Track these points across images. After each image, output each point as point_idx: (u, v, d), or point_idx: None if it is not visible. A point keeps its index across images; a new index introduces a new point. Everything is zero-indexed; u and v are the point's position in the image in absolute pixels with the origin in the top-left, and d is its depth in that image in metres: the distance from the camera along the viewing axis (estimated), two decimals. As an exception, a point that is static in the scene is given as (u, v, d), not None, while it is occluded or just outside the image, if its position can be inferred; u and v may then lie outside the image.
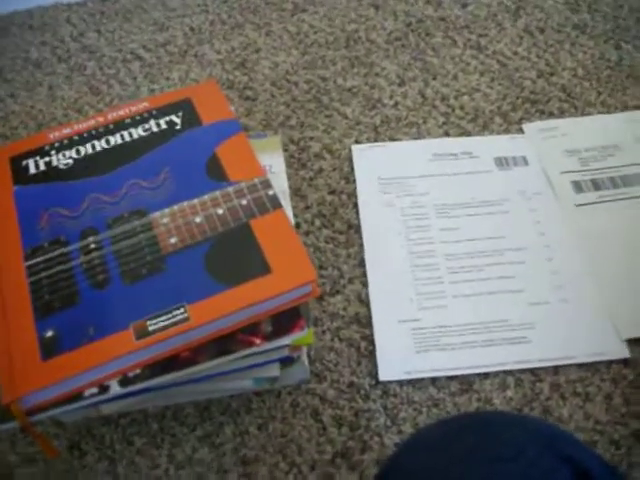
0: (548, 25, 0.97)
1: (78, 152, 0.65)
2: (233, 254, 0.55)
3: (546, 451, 0.36)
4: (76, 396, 0.52)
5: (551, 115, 0.85)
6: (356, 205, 0.76)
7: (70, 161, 0.64)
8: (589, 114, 0.85)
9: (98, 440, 0.61)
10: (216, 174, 0.61)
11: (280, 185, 0.73)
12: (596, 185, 0.77)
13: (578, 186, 0.77)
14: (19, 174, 0.64)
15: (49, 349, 0.51)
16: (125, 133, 0.66)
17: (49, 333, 0.52)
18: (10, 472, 0.60)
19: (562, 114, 0.85)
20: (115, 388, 0.52)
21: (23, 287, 0.55)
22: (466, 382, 0.63)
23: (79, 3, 1.06)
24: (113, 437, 0.62)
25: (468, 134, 0.83)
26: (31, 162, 0.65)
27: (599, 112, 0.85)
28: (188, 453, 0.60)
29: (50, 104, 0.91)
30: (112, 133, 0.66)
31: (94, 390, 0.52)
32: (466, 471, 0.36)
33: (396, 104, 0.87)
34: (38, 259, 0.57)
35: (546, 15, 0.98)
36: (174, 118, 0.67)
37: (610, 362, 0.64)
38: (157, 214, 0.58)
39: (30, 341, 0.52)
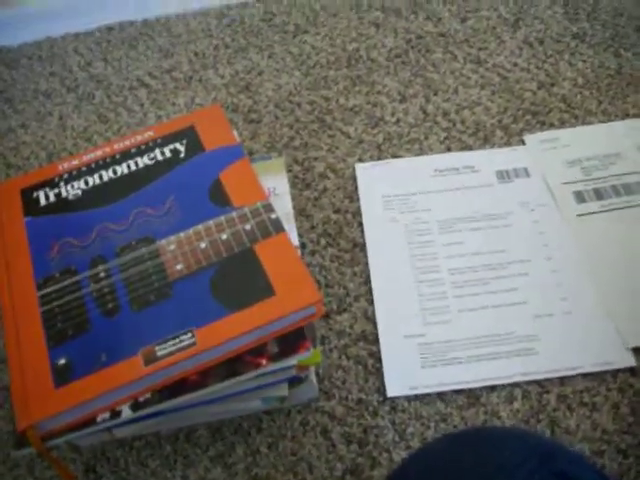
0: (547, 35, 0.98)
1: (86, 183, 0.67)
2: (238, 278, 0.57)
3: (541, 467, 0.37)
4: (89, 421, 0.53)
5: (552, 126, 0.86)
6: (361, 223, 0.78)
7: (79, 192, 0.66)
8: (590, 123, 0.86)
9: (113, 463, 0.63)
10: (220, 199, 0.62)
11: (284, 206, 0.74)
12: (598, 194, 0.78)
13: (580, 196, 0.78)
14: (30, 205, 0.66)
15: (62, 376, 0.53)
16: (131, 162, 0.68)
17: (62, 361, 0.54)
18: (29, 497, 0.62)
19: (563, 124, 0.86)
20: (126, 412, 0.53)
21: (36, 316, 0.57)
22: (473, 396, 0.64)
23: (86, 33, 1.09)
24: (128, 460, 0.63)
25: (469, 148, 0.84)
26: (41, 193, 0.67)
27: (600, 121, 0.86)
28: (201, 474, 0.61)
29: (60, 134, 0.93)
30: (119, 163, 0.68)
31: (106, 415, 0.53)
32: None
33: (398, 121, 0.88)
34: (50, 289, 0.59)
35: (545, 26, 0.99)
36: (178, 146, 0.68)
37: (616, 371, 0.65)
38: (164, 241, 0.60)
39: (44, 369, 0.54)
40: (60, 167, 0.69)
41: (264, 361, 0.55)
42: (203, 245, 0.59)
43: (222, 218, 0.61)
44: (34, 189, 0.68)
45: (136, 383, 0.53)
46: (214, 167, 0.65)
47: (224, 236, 0.59)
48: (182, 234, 0.60)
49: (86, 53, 1.05)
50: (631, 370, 0.64)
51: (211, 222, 0.61)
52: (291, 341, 0.56)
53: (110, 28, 1.09)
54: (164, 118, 0.93)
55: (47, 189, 0.67)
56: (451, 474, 0.38)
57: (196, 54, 1.02)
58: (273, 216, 0.60)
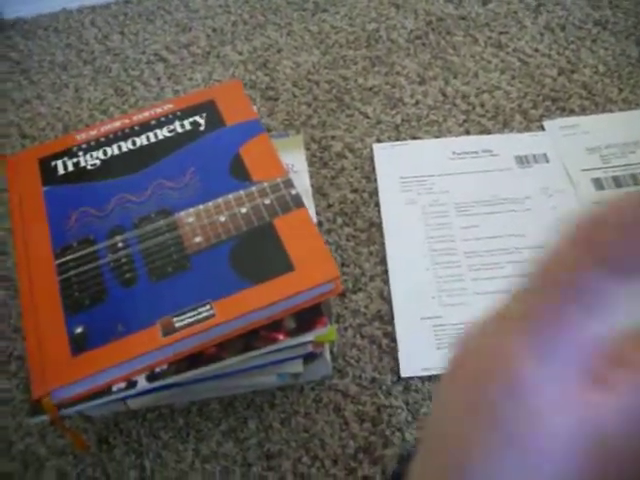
0: (569, 22, 0.97)
1: (105, 153, 0.66)
2: (257, 252, 0.56)
3: None
4: (104, 391, 0.53)
5: (572, 112, 0.85)
6: (377, 203, 0.77)
7: (97, 162, 0.66)
8: (610, 111, 0.85)
9: (126, 434, 0.63)
10: (240, 174, 0.62)
11: (302, 184, 0.74)
12: (617, 182, 0.77)
13: (599, 183, 0.77)
14: (48, 175, 0.66)
15: (79, 345, 0.53)
16: (150, 134, 0.67)
17: (79, 329, 0.54)
18: (41, 464, 0.62)
19: (583, 111, 0.85)
20: (142, 383, 0.53)
21: (53, 285, 0.57)
22: (487, 378, 0.64)
23: (103, 5, 1.08)
24: (140, 431, 0.63)
25: (488, 132, 0.83)
26: (60, 163, 0.66)
27: (620, 109, 0.85)
28: (213, 447, 0.61)
29: (76, 106, 0.93)
30: (138, 134, 0.68)
31: (122, 385, 0.53)
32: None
33: (417, 103, 0.87)
34: (67, 257, 0.58)
35: (567, 12, 0.98)
36: (198, 119, 0.68)
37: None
38: (182, 214, 0.60)
39: (61, 337, 0.54)
40: (78, 137, 0.69)
41: (281, 336, 0.55)
42: (222, 218, 0.59)
43: (241, 192, 0.61)
44: (52, 159, 0.67)
45: (153, 354, 0.53)
46: (234, 141, 0.65)
47: (244, 210, 0.59)
48: (201, 207, 0.60)
49: (103, 26, 1.05)
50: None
51: (230, 196, 0.60)
52: (308, 317, 0.55)
53: (127, 1, 1.08)
54: (181, 93, 0.92)
55: (65, 159, 0.67)
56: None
57: (214, 30, 1.01)
58: (293, 192, 0.60)
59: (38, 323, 0.55)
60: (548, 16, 0.98)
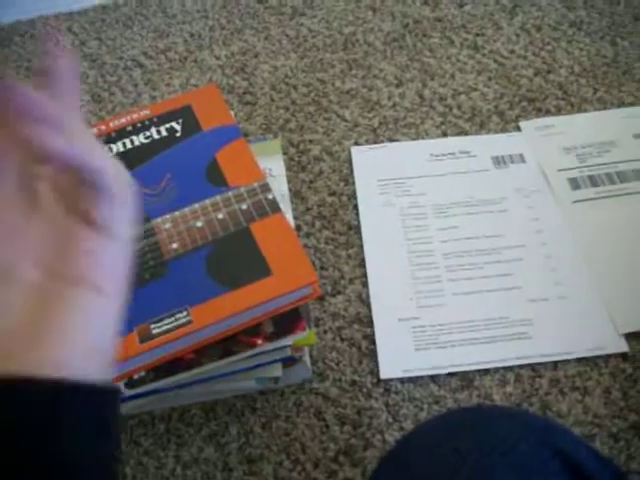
0: (544, 23, 0.98)
1: (81, 160, 0.66)
2: (234, 257, 0.56)
3: (539, 444, 0.37)
4: (83, 399, 0.53)
5: (548, 113, 0.86)
6: (356, 206, 0.77)
7: (73, 169, 0.65)
8: (585, 111, 0.86)
9: (106, 442, 0.63)
10: (216, 179, 0.62)
11: (280, 188, 0.74)
12: (593, 181, 0.78)
13: (575, 183, 0.78)
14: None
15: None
16: (127, 141, 0.67)
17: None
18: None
19: (559, 111, 0.86)
20: (121, 390, 0.53)
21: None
22: (466, 379, 0.64)
23: (80, 12, 1.08)
24: (120, 438, 0.63)
25: (465, 133, 0.84)
26: (35, 171, 0.66)
27: (595, 109, 0.86)
28: (194, 453, 0.61)
29: (53, 112, 0.92)
30: (114, 141, 0.67)
31: (101, 393, 0.53)
32: (462, 462, 0.37)
33: (394, 105, 0.88)
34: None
35: (542, 13, 0.99)
36: (174, 125, 0.68)
37: (609, 356, 0.65)
38: (159, 220, 0.60)
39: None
40: (54, 145, 0.68)
41: (259, 341, 0.55)
42: (199, 224, 0.59)
43: (218, 197, 0.61)
44: (28, 166, 0.67)
45: (131, 361, 0.52)
46: (211, 147, 0.65)
47: (220, 215, 0.59)
48: (177, 213, 0.60)
49: (80, 32, 1.04)
50: (623, 355, 0.65)
51: (207, 201, 0.60)
52: (287, 321, 0.56)
53: (105, 7, 1.08)
54: (159, 98, 0.92)
55: (41, 166, 0.66)
56: (449, 451, 0.38)
57: (192, 35, 1.01)
58: (270, 196, 0.60)
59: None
60: (524, 17, 0.99)
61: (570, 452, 0.37)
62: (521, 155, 0.81)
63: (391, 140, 0.84)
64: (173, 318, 0.53)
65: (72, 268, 0.29)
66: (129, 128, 0.68)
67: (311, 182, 0.80)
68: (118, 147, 0.67)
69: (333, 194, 0.79)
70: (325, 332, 0.68)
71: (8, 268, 0.28)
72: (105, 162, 0.31)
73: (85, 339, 0.28)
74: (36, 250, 0.29)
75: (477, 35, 0.97)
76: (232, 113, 0.71)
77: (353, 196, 0.79)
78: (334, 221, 0.76)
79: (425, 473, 0.39)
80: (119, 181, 0.32)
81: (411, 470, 0.40)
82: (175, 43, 1.00)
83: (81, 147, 0.29)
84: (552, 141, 0.82)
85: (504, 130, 0.84)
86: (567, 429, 0.44)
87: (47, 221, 0.30)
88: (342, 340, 0.67)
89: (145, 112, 0.70)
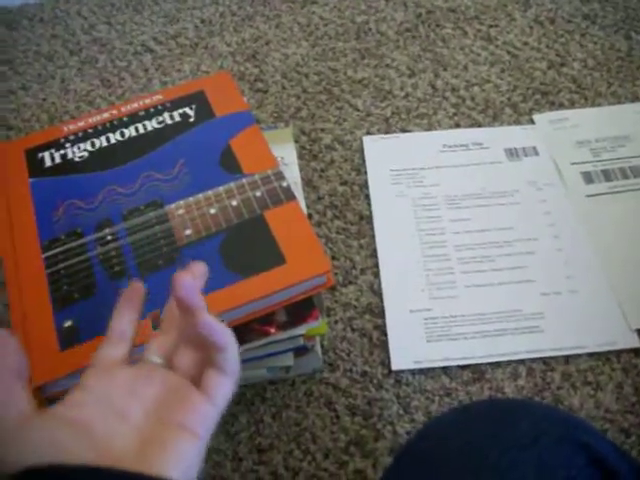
0: (558, 15, 0.97)
1: (93, 145, 0.66)
2: (248, 245, 0.56)
3: (563, 438, 0.37)
4: (94, 385, 0.52)
5: (561, 106, 0.85)
6: (368, 196, 0.77)
7: (85, 154, 0.65)
8: (599, 105, 0.85)
9: (115, 428, 0.62)
10: (230, 166, 0.61)
11: (292, 176, 0.73)
12: (606, 176, 0.77)
13: (588, 177, 0.77)
14: (35, 167, 0.65)
15: (68, 339, 0.52)
16: (139, 125, 0.66)
17: (67, 323, 0.53)
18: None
19: (572, 105, 0.85)
20: None
21: (41, 278, 0.56)
22: (478, 371, 0.64)
23: (90, -5, 1.07)
24: None
25: (478, 125, 0.83)
26: (47, 155, 0.65)
27: (609, 103, 0.85)
28: (204, 441, 0.61)
29: (62, 97, 0.92)
30: (126, 126, 0.67)
31: (112, 379, 0.52)
32: (482, 458, 0.37)
33: (407, 95, 0.87)
34: (55, 250, 0.58)
35: (556, 5, 0.98)
36: (188, 110, 0.67)
37: (620, 351, 0.65)
38: (172, 206, 0.59)
39: (49, 331, 0.53)
40: (66, 128, 0.68)
41: (272, 329, 0.54)
42: (213, 211, 0.58)
43: (232, 184, 0.60)
44: (39, 150, 0.66)
45: (143, 347, 0.52)
46: (224, 133, 0.64)
47: (234, 202, 0.59)
48: (191, 199, 0.59)
49: (89, 16, 1.03)
50: (635, 351, 0.65)
51: (221, 188, 0.60)
52: (300, 310, 0.55)
53: (114, -9, 1.07)
54: (169, 84, 0.91)
55: (52, 150, 0.66)
56: (468, 445, 0.38)
57: (202, 21, 1.00)
58: (284, 184, 0.60)
59: (25, 317, 0.54)
60: (537, 9, 0.98)
61: (593, 445, 0.37)
62: (534, 148, 0.80)
63: (403, 130, 0.83)
64: (187, 305, 0.52)
65: (178, 418, 0.36)
66: (142, 113, 0.68)
67: (322, 171, 0.80)
68: (131, 132, 0.66)
69: (345, 183, 0.78)
70: (336, 322, 0.67)
71: (125, 412, 0.36)
72: (229, 340, 0.38)
73: (179, 470, 0.34)
74: (150, 402, 0.37)
75: (490, 26, 0.96)
76: (245, 100, 0.70)
77: (365, 186, 0.78)
78: (346, 211, 0.76)
79: (444, 469, 0.38)
80: (234, 360, 0.39)
81: (428, 465, 0.40)
82: (185, 29, 0.99)
83: (215, 325, 0.38)
84: (566, 134, 0.82)
85: (517, 122, 0.84)
86: (586, 421, 0.44)
87: (164, 383, 0.38)
88: (353, 330, 0.67)
89: (158, 97, 0.69)
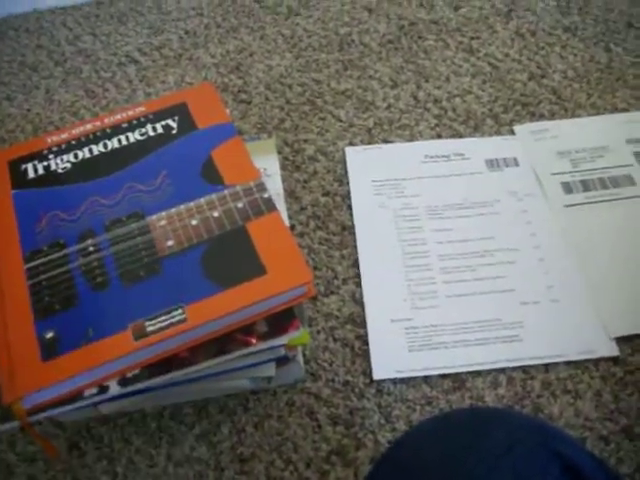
0: (539, 28, 0.98)
1: (76, 156, 0.66)
2: (229, 256, 0.56)
3: (538, 447, 0.37)
4: (76, 396, 0.53)
5: (542, 117, 0.86)
6: (350, 207, 0.78)
7: (68, 165, 0.65)
8: (579, 116, 0.86)
9: (97, 440, 0.62)
10: (212, 177, 0.62)
11: (275, 187, 0.74)
12: (585, 186, 0.78)
13: (568, 187, 0.78)
14: (17, 178, 0.65)
15: (49, 350, 0.52)
16: (122, 137, 0.67)
17: (49, 334, 0.53)
18: (10, 471, 0.61)
19: (552, 116, 0.86)
20: (114, 388, 0.53)
21: (23, 289, 0.56)
22: (458, 380, 0.64)
23: (75, 6, 1.07)
24: (112, 437, 0.63)
25: (460, 136, 0.84)
26: (30, 166, 0.66)
27: (589, 114, 0.86)
28: (186, 452, 0.61)
29: (47, 107, 0.92)
30: (109, 137, 0.67)
31: (94, 390, 0.53)
32: (458, 466, 0.37)
33: (389, 106, 0.88)
34: (37, 262, 0.58)
35: (537, 18, 1.00)
36: (170, 122, 0.68)
37: (599, 360, 0.65)
38: (154, 217, 0.60)
39: (30, 342, 0.53)
40: (49, 140, 0.68)
41: (254, 340, 0.55)
42: (194, 222, 0.59)
43: (214, 196, 0.60)
44: (22, 161, 0.67)
45: (125, 358, 0.52)
46: (206, 145, 0.65)
47: (216, 213, 0.59)
48: (173, 210, 0.60)
49: (74, 27, 1.04)
50: (614, 359, 0.65)
51: (202, 200, 0.60)
52: (281, 320, 0.55)
53: (99, 2, 1.07)
54: (153, 95, 0.92)
55: (35, 162, 0.66)
56: (445, 454, 0.39)
57: (187, 32, 1.01)
58: (266, 195, 0.60)
59: (7, 328, 0.54)
60: (519, 22, 0.99)
61: (568, 455, 0.37)
62: (515, 159, 0.81)
63: (386, 141, 0.84)
64: (168, 316, 0.53)
65: None
66: (125, 125, 0.68)
67: (305, 182, 0.80)
68: (113, 143, 0.66)
69: (327, 194, 0.79)
70: (318, 332, 0.68)
71: None
72: None
73: None
74: None
75: (472, 38, 0.97)
76: (228, 112, 0.71)
77: (347, 197, 0.79)
78: (328, 221, 0.76)
79: (422, 478, 0.39)
80: None
81: (407, 474, 0.40)
82: (170, 40, 1.00)
83: None
84: (546, 145, 0.83)
85: (498, 133, 0.85)
86: (562, 431, 0.44)
87: None
88: (335, 340, 0.67)
89: (141, 109, 0.70)
